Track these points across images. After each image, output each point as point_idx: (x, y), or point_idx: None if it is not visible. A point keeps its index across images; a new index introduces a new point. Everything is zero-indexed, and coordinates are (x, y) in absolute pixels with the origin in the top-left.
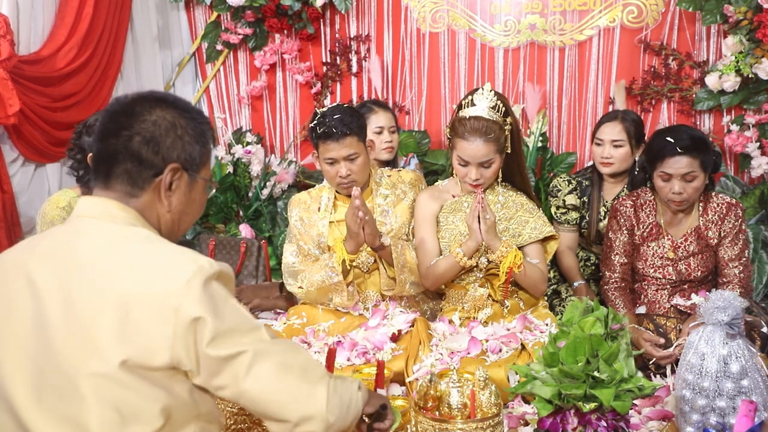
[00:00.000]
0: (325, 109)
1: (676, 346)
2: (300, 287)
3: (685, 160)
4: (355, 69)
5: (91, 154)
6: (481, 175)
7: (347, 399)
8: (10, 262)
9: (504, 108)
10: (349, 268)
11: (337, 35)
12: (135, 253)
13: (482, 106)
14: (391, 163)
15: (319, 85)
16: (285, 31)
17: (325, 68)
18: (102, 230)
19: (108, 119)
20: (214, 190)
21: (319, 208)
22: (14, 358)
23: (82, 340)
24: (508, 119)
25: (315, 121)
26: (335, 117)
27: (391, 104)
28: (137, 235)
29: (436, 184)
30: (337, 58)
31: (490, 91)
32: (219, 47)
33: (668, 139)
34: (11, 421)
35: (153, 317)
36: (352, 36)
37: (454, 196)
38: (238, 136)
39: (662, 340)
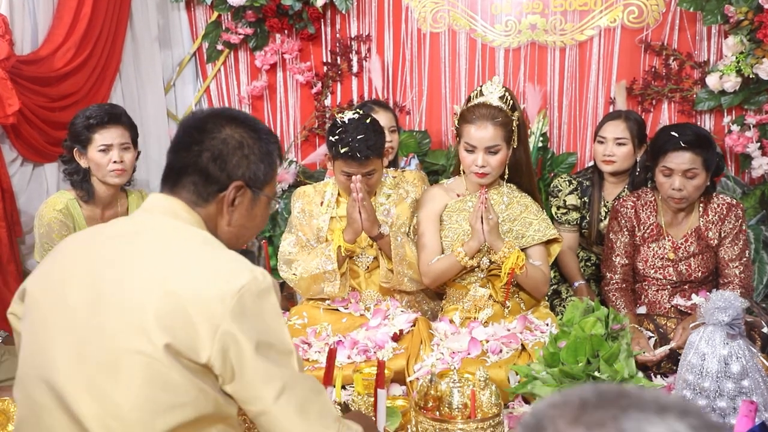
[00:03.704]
0: (346, 120)
1: (671, 345)
2: (294, 274)
3: (688, 156)
4: (355, 69)
5: (76, 149)
6: (487, 162)
7: None
8: (75, 245)
9: (512, 102)
10: (344, 255)
11: (337, 35)
12: (192, 253)
13: (491, 95)
14: (392, 163)
15: (319, 85)
16: (285, 31)
17: (325, 68)
18: (166, 226)
19: (182, 132)
20: (277, 206)
21: (321, 203)
22: (61, 332)
23: (131, 319)
24: (516, 113)
25: (336, 135)
26: (359, 138)
27: (391, 104)
28: (198, 236)
29: (441, 182)
30: (338, 58)
31: (499, 83)
32: (219, 47)
33: (672, 133)
34: (48, 392)
35: (198, 316)
36: (352, 36)
37: (459, 195)
38: None
39: (652, 357)
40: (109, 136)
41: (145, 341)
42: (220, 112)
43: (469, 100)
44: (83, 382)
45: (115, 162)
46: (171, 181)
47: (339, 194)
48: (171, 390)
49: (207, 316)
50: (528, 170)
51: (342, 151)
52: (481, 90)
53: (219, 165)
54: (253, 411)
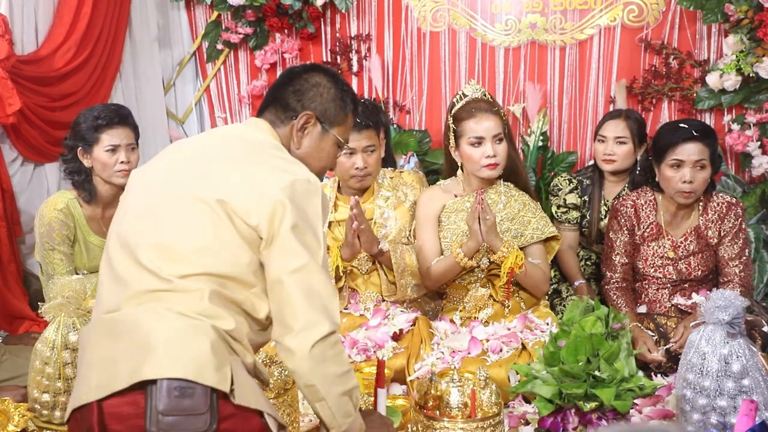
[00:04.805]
0: None
1: (670, 346)
2: None
3: (699, 147)
4: (355, 68)
5: (80, 148)
6: (496, 152)
7: (340, 367)
8: (173, 145)
9: (492, 100)
10: (341, 274)
11: (337, 34)
12: (264, 149)
13: (476, 94)
14: (391, 162)
15: None
16: (285, 31)
17: None
18: (246, 131)
19: (279, 77)
20: (343, 152)
21: None
22: (142, 192)
23: (200, 181)
24: (502, 110)
25: None
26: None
27: (391, 103)
28: (272, 143)
29: (438, 183)
30: (338, 57)
31: (477, 84)
32: (219, 46)
33: (681, 125)
34: (120, 245)
35: (257, 188)
36: (352, 35)
37: (456, 196)
38: None
39: (661, 358)
40: (117, 136)
41: (207, 194)
42: (316, 65)
43: (452, 105)
44: (148, 225)
45: (122, 162)
46: (261, 109)
47: (337, 197)
48: (222, 241)
49: (264, 189)
50: (521, 168)
51: None
52: (463, 92)
53: (297, 97)
54: (271, 277)
